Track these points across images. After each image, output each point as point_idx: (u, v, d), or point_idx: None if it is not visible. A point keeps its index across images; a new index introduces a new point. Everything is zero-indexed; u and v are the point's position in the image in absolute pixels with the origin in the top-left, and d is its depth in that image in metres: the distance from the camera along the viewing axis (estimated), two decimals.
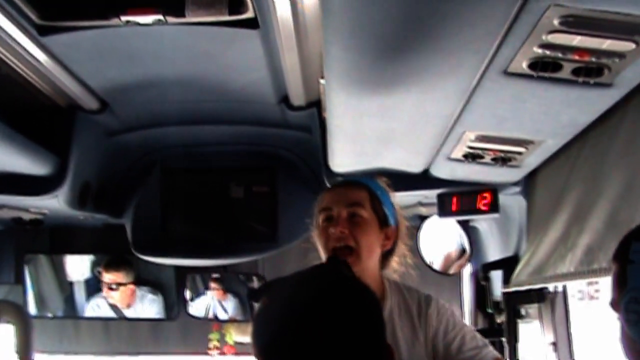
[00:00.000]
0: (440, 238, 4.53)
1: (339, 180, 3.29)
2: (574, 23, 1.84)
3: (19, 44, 2.68)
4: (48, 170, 3.51)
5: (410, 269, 3.07)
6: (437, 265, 4.40)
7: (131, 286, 5.05)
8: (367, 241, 2.85)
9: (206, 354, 5.36)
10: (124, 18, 2.52)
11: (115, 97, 3.49)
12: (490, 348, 2.98)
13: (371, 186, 2.97)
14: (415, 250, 4.17)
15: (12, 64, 2.90)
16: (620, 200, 2.57)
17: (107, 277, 5.02)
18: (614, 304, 1.82)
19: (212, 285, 5.08)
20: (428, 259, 4.38)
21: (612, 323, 1.87)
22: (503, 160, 3.18)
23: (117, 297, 5.06)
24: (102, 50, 2.87)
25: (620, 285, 1.76)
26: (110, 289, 5.03)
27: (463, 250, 4.47)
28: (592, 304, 12.51)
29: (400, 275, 3.07)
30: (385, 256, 2.98)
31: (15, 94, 3.22)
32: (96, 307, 5.12)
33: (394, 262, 3.03)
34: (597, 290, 12.84)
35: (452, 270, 4.55)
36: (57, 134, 3.51)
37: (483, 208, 3.76)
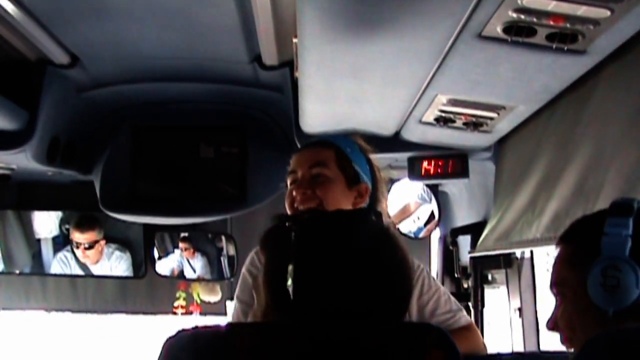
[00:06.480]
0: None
1: (309, 141, 3.26)
2: None
3: None
4: (16, 125, 3.45)
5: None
6: (394, 216, 4.40)
7: (102, 242, 5.05)
8: (332, 198, 2.81)
9: (173, 313, 5.37)
10: None
11: (86, 51, 3.44)
12: (464, 313, 3.00)
13: (340, 144, 2.94)
14: None
15: None
16: (588, 168, 2.59)
17: (82, 237, 5.01)
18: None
19: (181, 244, 5.08)
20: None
21: None
22: (474, 125, 3.18)
23: (91, 255, 5.05)
24: (74, 2, 2.83)
25: (587, 247, 1.77)
26: (85, 248, 5.01)
27: (432, 215, 4.49)
28: None
29: None
30: None
31: None
32: (64, 261, 5.10)
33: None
34: None
35: (407, 226, 4.56)
36: (26, 88, 3.46)
37: (453, 172, 3.77)
